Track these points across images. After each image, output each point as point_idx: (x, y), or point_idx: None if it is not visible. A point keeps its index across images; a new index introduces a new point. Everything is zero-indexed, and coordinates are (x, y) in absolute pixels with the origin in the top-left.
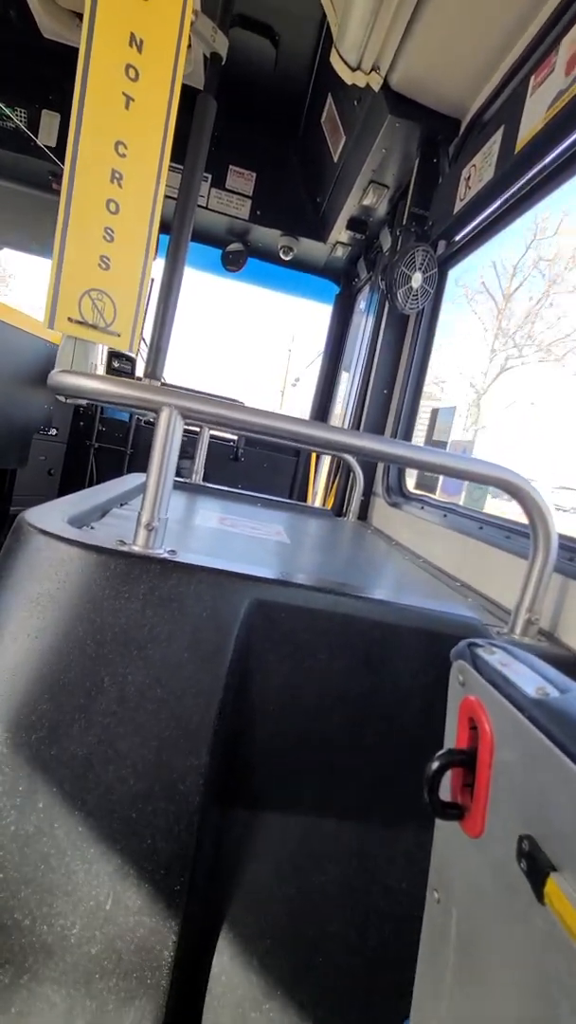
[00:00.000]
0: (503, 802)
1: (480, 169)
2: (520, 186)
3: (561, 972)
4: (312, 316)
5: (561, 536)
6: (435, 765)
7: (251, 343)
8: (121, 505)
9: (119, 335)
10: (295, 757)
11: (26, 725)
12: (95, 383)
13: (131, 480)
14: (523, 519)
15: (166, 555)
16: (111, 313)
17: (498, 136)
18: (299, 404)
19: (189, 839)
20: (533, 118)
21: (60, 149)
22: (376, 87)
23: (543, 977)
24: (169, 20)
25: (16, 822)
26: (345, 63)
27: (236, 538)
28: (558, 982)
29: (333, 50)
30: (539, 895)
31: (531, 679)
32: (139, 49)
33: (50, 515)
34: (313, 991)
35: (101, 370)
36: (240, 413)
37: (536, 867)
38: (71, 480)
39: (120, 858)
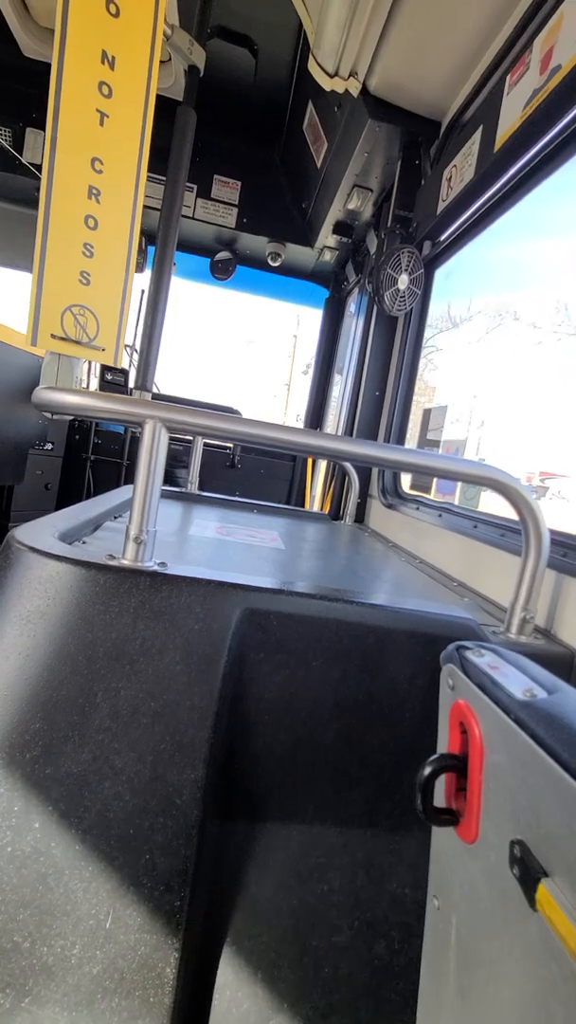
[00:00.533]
0: (495, 807)
1: (461, 169)
2: (501, 185)
3: (556, 979)
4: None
5: (553, 532)
6: (426, 771)
7: (250, 347)
8: (115, 518)
9: (103, 349)
10: (293, 766)
11: (19, 744)
12: (78, 398)
13: (125, 492)
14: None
15: (156, 568)
16: (94, 328)
17: (477, 136)
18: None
19: (189, 854)
20: (511, 117)
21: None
22: (355, 92)
23: (540, 985)
24: (140, 36)
25: (12, 843)
26: (323, 70)
27: (231, 547)
28: (554, 989)
29: (311, 57)
30: (531, 901)
31: (519, 681)
32: (111, 66)
33: (40, 531)
34: (320, 1004)
35: (95, 384)
36: (227, 423)
37: (528, 873)
38: (68, 493)
39: (119, 875)
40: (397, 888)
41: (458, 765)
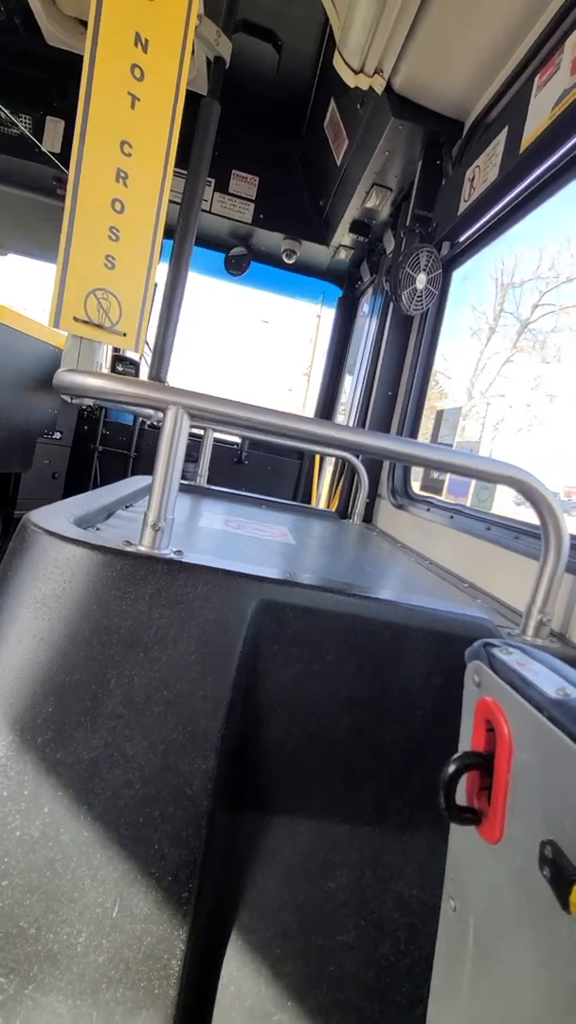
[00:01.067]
0: (523, 806)
1: (484, 170)
2: (525, 186)
3: None
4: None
5: (573, 536)
6: (451, 769)
7: (264, 342)
8: (126, 507)
9: (124, 335)
10: (304, 761)
11: (31, 728)
12: (101, 382)
13: (135, 482)
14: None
15: (172, 555)
16: (117, 313)
17: (502, 137)
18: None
19: (197, 844)
20: (538, 118)
21: (64, 155)
22: (379, 90)
23: (568, 988)
24: (175, 19)
25: (21, 827)
26: (348, 66)
27: (241, 539)
28: None
29: (336, 53)
30: (564, 903)
31: (551, 679)
32: (144, 49)
33: (55, 516)
34: (325, 1002)
35: (106, 369)
36: (248, 412)
37: (560, 874)
38: (75, 484)
39: (127, 864)
40: (405, 889)
41: (482, 763)
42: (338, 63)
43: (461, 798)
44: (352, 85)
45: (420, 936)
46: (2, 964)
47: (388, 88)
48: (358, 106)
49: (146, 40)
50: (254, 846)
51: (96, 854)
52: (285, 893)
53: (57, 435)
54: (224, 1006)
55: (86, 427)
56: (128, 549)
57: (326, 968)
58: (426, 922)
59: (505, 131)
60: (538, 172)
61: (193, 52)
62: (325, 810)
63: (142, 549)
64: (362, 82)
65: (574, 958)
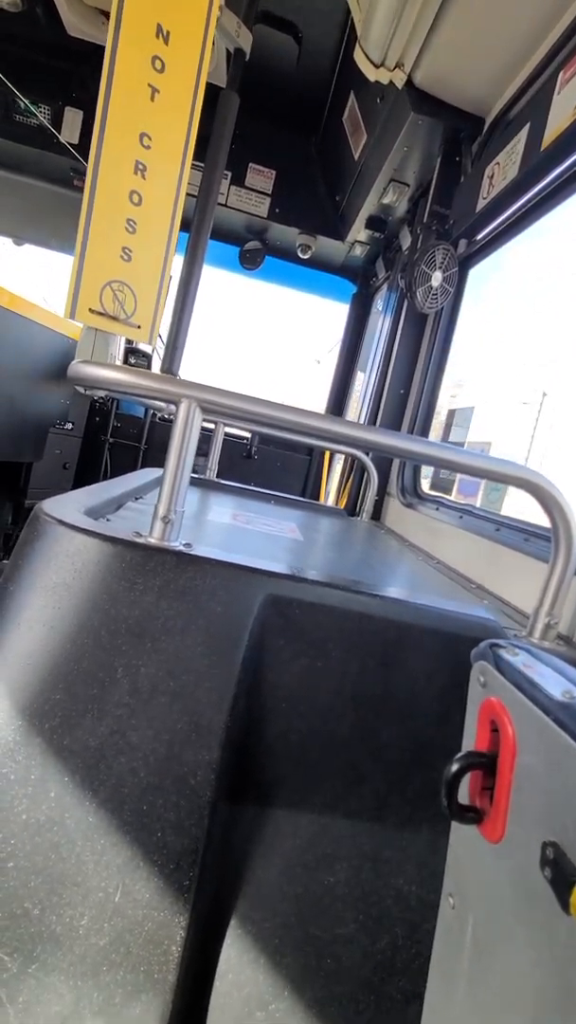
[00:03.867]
0: (526, 807)
1: (504, 167)
2: (545, 184)
3: None
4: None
5: None
6: (454, 767)
7: (274, 336)
8: (136, 499)
9: (139, 327)
10: (307, 755)
11: (39, 714)
12: (116, 373)
13: (146, 475)
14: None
15: (182, 548)
16: (132, 305)
17: (523, 133)
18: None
19: (199, 834)
20: (561, 115)
21: (82, 146)
22: (400, 84)
23: (565, 989)
24: (196, 11)
25: (28, 810)
26: (369, 60)
27: (250, 534)
28: None
29: (357, 47)
30: (564, 904)
31: (557, 682)
32: (166, 41)
33: (66, 506)
34: (321, 994)
35: (119, 361)
36: (260, 407)
37: (561, 875)
38: (86, 474)
39: (130, 850)
40: (404, 885)
41: (485, 763)
42: (359, 56)
43: (463, 797)
44: (372, 79)
45: (418, 932)
46: (6, 943)
47: (409, 82)
48: (378, 100)
49: (167, 32)
50: (255, 838)
51: (100, 839)
52: (285, 885)
53: (69, 426)
54: (222, 993)
55: (98, 418)
56: (138, 540)
57: (323, 960)
58: (425, 918)
59: (527, 128)
60: (560, 170)
61: (213, 44)
62: (326, 805)
63: (152, 541)
64: (382, 76)
65: (572, 959)
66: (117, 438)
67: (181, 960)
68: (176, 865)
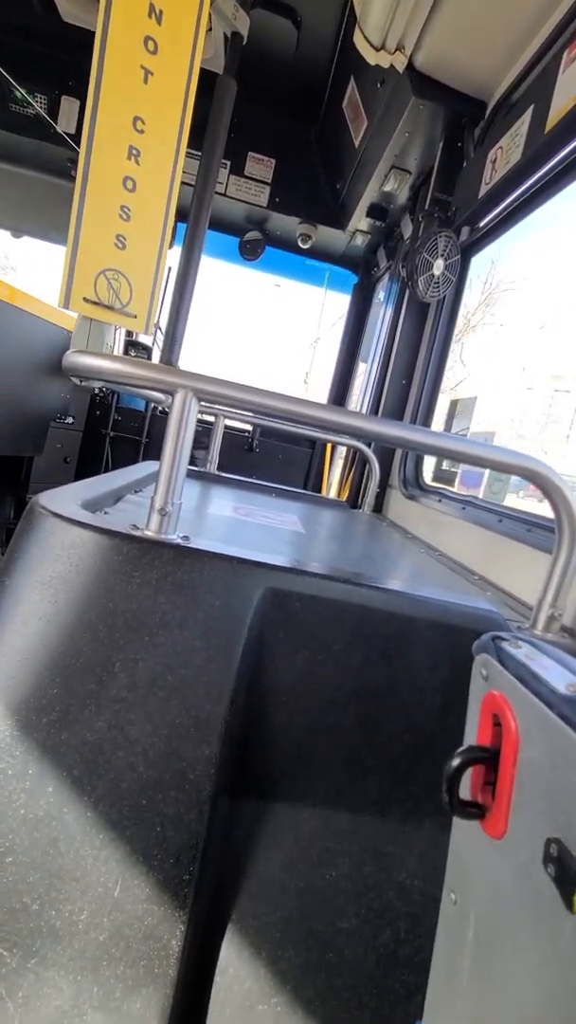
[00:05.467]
0: (529, 802)
1: (507, 151)
2: (550, 168)
3: None
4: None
5: None
6: (455, 762)
7: (273, 328)
8: (135, 492)
9: (135, 316)
10: (308, 750)
11: (36, 708)
12: (109, 364)
13: (145, 468)
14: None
15: (179, 541)
16: (127, 294)
17: (527, 116)
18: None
19: (199, 828)
20: (565, 96)
21: (80, 136)
22: (400, 68)
23: (567, 986)
24: None
25: (25, 805)
26: (369, 43)
27: (250, 527)
28: None
29: (357, 30)
30: (568, 903)
31: (561, 675)
32: (159, 20)
33: (63, 499)
34: (322, 988)
35: (118, 353)
36: (258, 396)
37: (565, 873)
38: (87, 468)
39: (129, 845)
40: (406, 879)
41: (488, 758)
42: (358, 39)
43: (465, 792)
44: (373, 63)
45: (420, 926)
46: (5, 938)
47: (410, 66)
48: (378, 85)
49: (160, 11)
50: (256, 832)
51: (99, 834)
52: (286, 879)
53: (69, 420)
54: (222, 987)
55: (98, 412)
56: (135, 533)
57: (325, 954)
58: (427, 912)
59: (530, 110)
60: (564, 152)
61: (210, 28)
62: (328, 799)
63: (149, 534)
64: (383, 59)
65: (575, 957)
66: (118, 432)
67: (181, 954)
68: (176, 860)
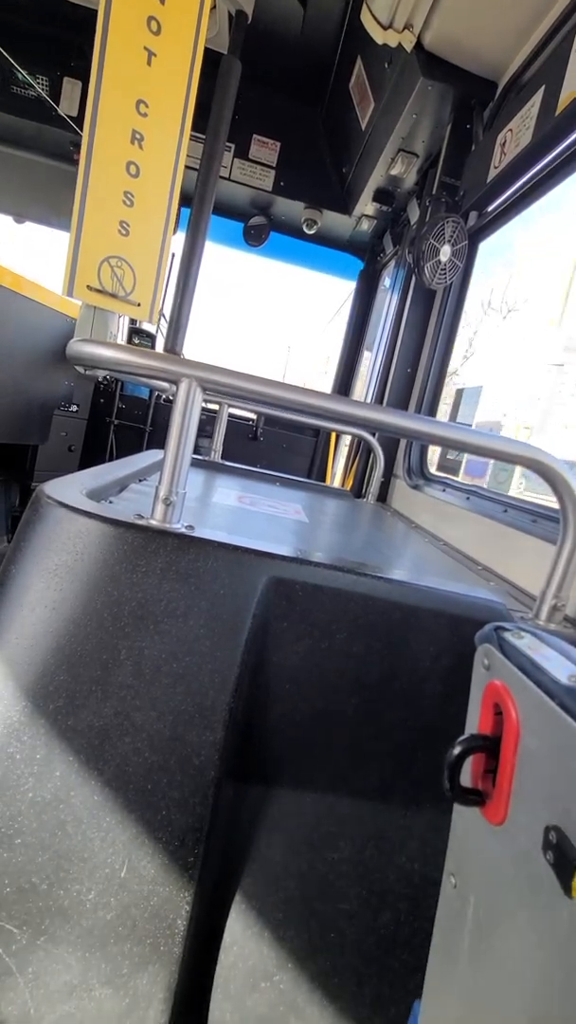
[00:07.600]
0: (529, 790)
1: (517, 134)
2: (560, 151)
3: None
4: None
5: None
6: (457, 750)
7: (281, 316)
8: (139, 481)
9: (139, 304)
10: (311, 736)
11: (44, 695)
12: (114, 352)
13: (149, 456)
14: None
15: (184, 530)
16: (131, 281)
17: (537, 98)
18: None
19: (204, 812)
20: None
21: (82, 118)
22: (408, 47)
23: (565, 971)
24: None
25: (34, 789)
26: (377, 21)
27: (255, 516)
28: None
29: (364, 7)
30: (567, 888)
31: (563, 665)
32: (162, 0)
33: (69, 488)
34: (324, 967)
35: (122, 342)
36: (261, 385)
37: (564, 860)
38: (91, 456)
39: (135, 828)
40: (406, 862)
41: (489, 746)
42: (366, 17)
43: (466, 779)
44: (380, 42)
45: (420, 908)
46: (16, 916)
47: (418, 45)
48: (386, 65)
49: None
50: (259, 816)
51: (105, 817)
52: (289, 862)
53: (74, 408)
54: (226, 965)
55: (102, 400)
56: (139, 522)
57: (327, 934)
58: (427, 895)
59: (541, 91)
60: (575, 135)
61: (214, 6)
62: (330, 785)
63: (153, 523)
64: (391, 38)
65: (573, 942)
66: (122, 420)
67: (187, 933)
68: (181, 842)
